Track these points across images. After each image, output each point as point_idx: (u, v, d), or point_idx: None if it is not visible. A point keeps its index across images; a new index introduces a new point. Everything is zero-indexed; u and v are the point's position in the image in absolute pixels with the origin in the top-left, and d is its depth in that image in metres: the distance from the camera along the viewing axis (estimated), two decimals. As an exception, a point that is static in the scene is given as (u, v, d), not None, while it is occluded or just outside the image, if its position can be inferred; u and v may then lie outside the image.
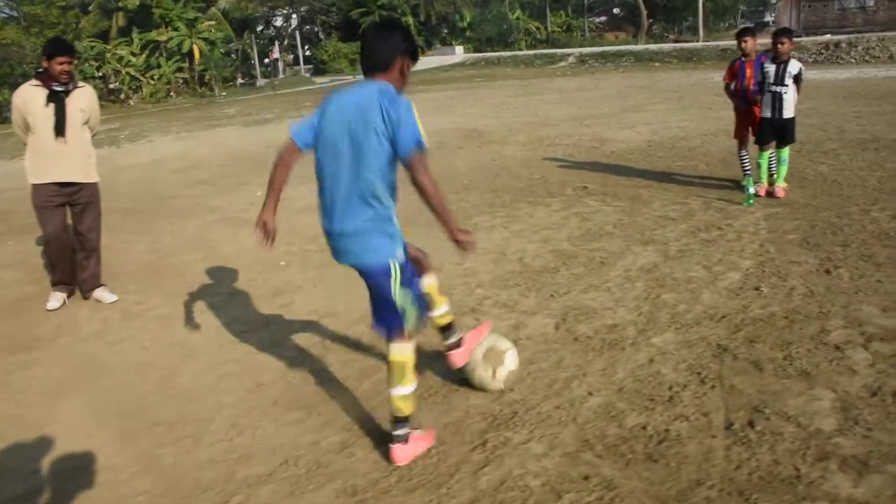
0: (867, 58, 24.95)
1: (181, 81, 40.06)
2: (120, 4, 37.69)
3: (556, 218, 7.38)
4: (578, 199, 8.13)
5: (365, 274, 3.30)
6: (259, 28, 48.94)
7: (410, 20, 52.64)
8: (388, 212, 3.21)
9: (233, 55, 45.09)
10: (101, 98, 29.51)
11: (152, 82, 37.06)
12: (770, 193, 7.51)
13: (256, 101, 31.54)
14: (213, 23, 43.12)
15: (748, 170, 7.96)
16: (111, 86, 35.67)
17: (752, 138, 7.82)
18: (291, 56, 52.32)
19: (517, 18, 53.49)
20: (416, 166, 3.02)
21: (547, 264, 5.96)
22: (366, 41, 3.24)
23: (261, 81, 43.43)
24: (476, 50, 50.44)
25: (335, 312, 5.40)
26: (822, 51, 26.49)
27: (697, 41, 38.39)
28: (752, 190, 7.24)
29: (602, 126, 13.67)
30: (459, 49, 48.69)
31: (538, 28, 54.28)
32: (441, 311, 3.75)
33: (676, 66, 29.56)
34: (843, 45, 26.19)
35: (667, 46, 35.10)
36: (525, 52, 43.92)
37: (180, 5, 40.43)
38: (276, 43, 47.48)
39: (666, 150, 10.65)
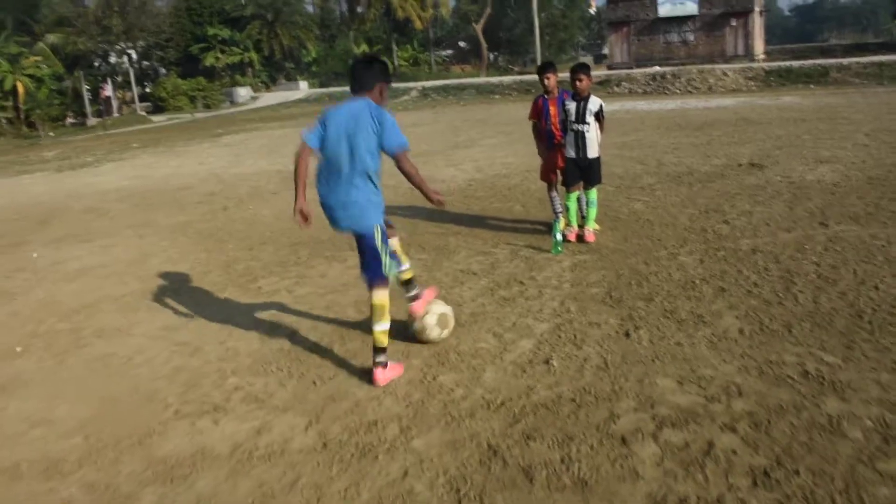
0: (689, 88, 26.06)
1: (4, 121, 36.94)
2: (-70, 37, 34.38)
3: (349, 276, 6.57)
4: (381, 251, 7.39)
5: (358, 235, 4.42)
6: (96, 63, 45.89)
7: (254, 56, 51.25)
8: (375, 189, 4.33)
9: (65, 93, 42.06)
10: None
11: (-35, 122, 33.77)
12: (580, 237, 7.05)
13: (83, 142, 29.32)
14: (38, 58, 40.11)
15: (559, 211, 7.50)
16: (-83, 125, 32.18)
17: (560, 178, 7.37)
18: (130, 94, 49.39)
19: (363, 52, 53.11)
20: (400, 158, 4.25)
21: (321, 339, 5.12)
22: (355, 70, 4.45)
23: (92, 121, 40.60)
24: (322, 85, 49.62)
25: (49, 419, 4.32)
26: (651, 82, 27.50)
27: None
28: (559, 237, 6.73)
29: (429, 164, 13.08)
30: (304, 84, 47.78)
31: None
32: (404, 267, 4.75)
33: (516, 98, 29.91)
34: (669, 77, 27.29)
35: (507, 79, 35.62)
36: (370, 86, 43.35)
37: (1, 39, 37.39)
38: (109, 80, 44.64)
39: (486, 190, 10.15)
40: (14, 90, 36.57)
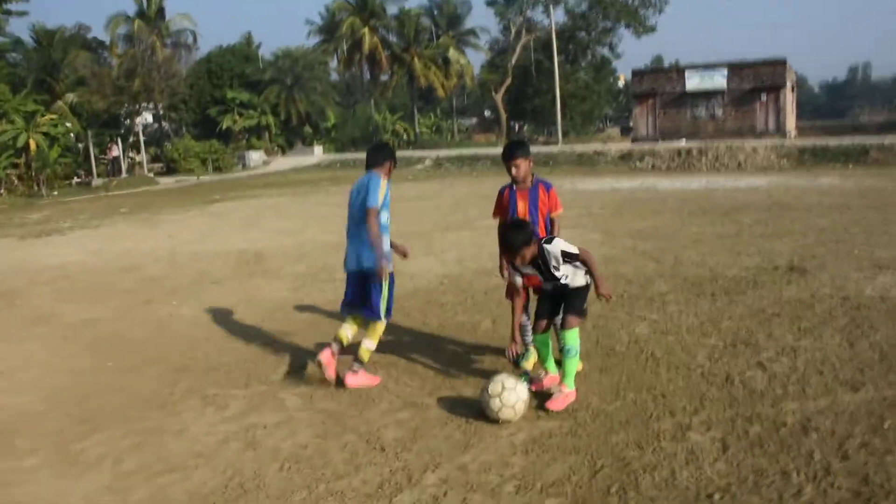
0: (717, 165, 24.13)
1: (15, 178, 36.03)
2: (-57, 93, 33.82)
3: (214, 438, 4.55)
4: (280, 391, 5.37)
5: (364, 275, 5.26)
6: (123, 120, 45.15)
7: (271, 119, 50.28)
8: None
9: (77, 152, 41.26)
10: None
11: (-30, 178, 32.71)
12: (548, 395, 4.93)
13: (77, 203, 28.01)
14: (54, 117, 39.43)
15: (529, 342, 5.49)
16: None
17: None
18: (146, 154, 48.40)
19: (384, 119, 52.00)
20: (367, 215, 5.15)
21: None
22: (369, 153, 5.50)
23: (97, 181, 39.50)
24: (338, 150, 48.45)
25: None
26: (675, 157, 25.63)
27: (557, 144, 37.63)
28: (526, 375, 4.63)
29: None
30: (319, 149, 46.63)
31: (406, 129, 52.85)
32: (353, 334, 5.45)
33: (532, 169, 28.12)
34: (695, 153, 25.40)
35: (525, 150, 33.98)
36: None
37: (20, 97, 36.82)
38: (118, 140, 43.72)
39: (458, 293, 8.14)
40: (26, 147, 35.77)
